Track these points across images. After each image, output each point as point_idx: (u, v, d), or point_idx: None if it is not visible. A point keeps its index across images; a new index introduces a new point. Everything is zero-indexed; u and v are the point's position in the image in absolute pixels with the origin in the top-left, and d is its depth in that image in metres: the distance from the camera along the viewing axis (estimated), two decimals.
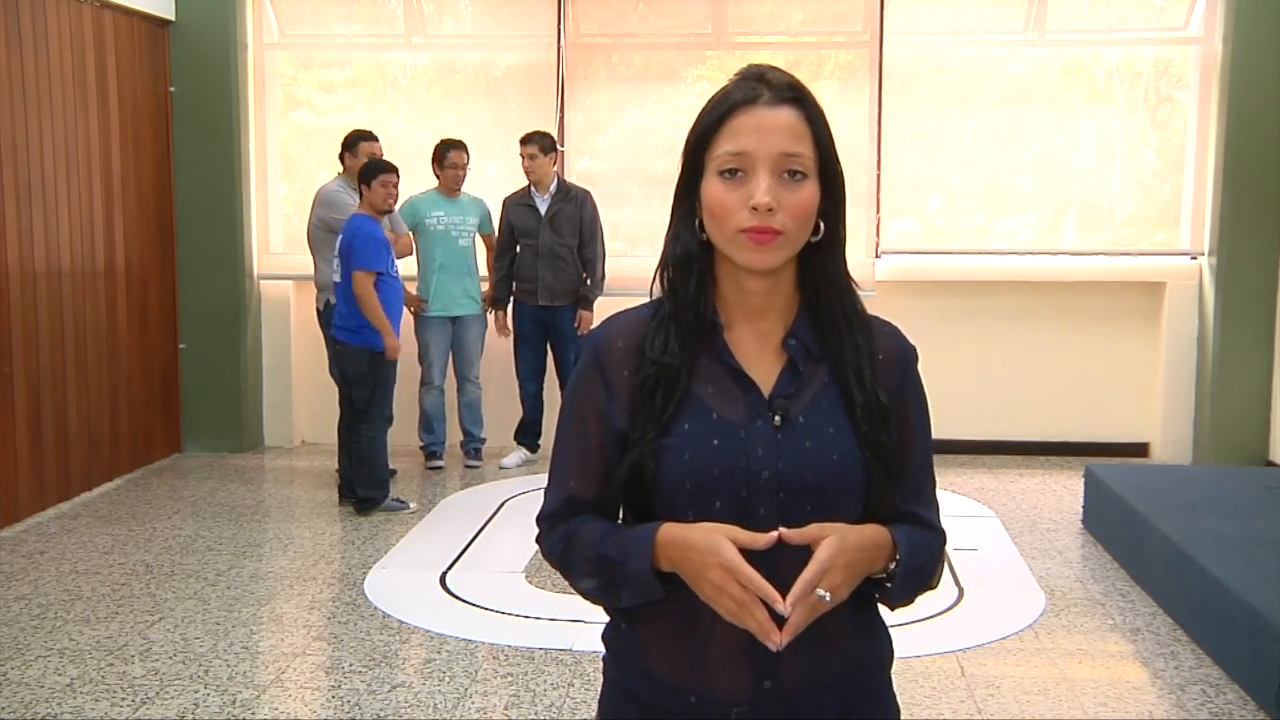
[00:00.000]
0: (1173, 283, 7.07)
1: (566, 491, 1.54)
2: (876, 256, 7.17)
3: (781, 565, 1.40)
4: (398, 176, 5.76)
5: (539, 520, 1.58)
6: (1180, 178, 7.16)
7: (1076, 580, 4.93)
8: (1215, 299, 6.83)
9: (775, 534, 1.39)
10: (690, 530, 1.42)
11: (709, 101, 1.49)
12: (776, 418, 1.47)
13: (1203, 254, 6.99)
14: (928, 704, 3.68)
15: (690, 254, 1.50)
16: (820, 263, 1.51)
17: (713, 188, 1.46)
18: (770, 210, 1.42)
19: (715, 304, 1.51)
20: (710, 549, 1.39)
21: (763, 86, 1.46)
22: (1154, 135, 7.22)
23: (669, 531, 1.43)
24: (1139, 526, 4.88)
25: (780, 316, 1.52)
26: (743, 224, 1.43)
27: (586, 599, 1.56)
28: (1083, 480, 5.81)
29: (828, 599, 1.38)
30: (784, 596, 1.37)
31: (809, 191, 1.45)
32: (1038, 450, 7.24)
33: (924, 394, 1.58)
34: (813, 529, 1.40)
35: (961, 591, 4.74)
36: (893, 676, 1.63)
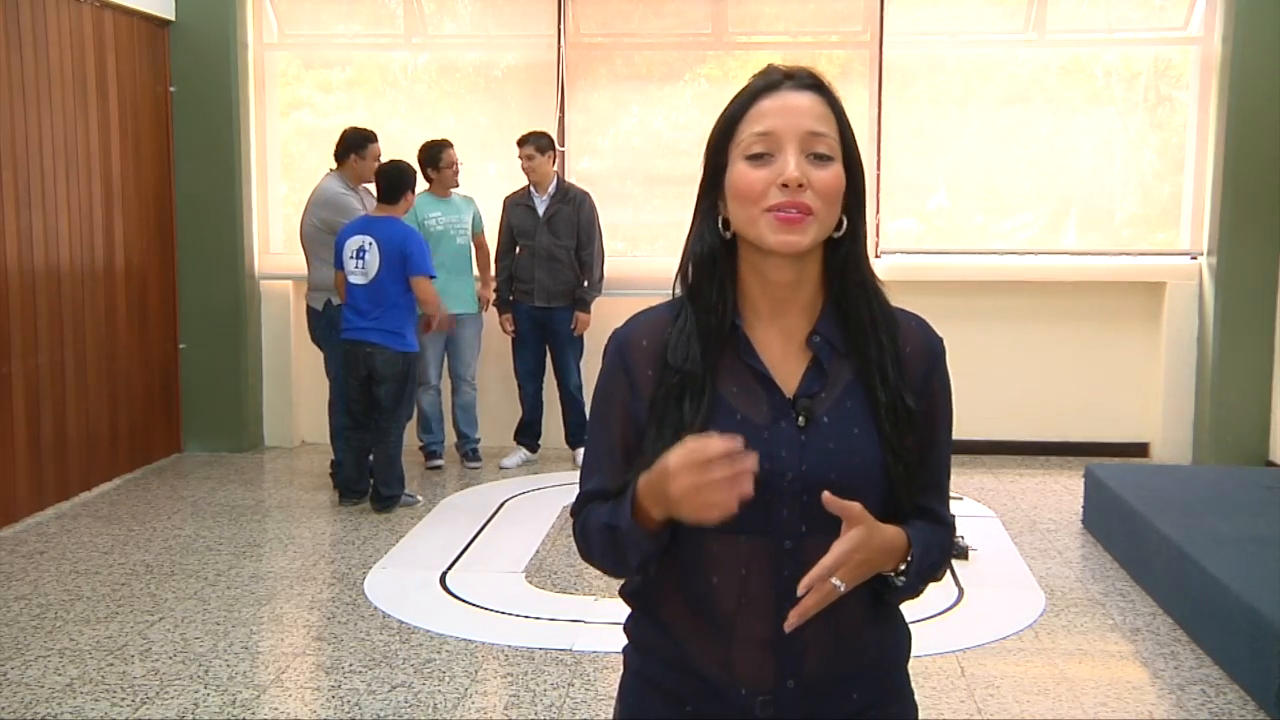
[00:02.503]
0: (1173, 283, 7.07)
1: (593, 485, 1.57)
2: (876, 256, 7.17)
3: (806, 565, 1.41)
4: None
5: (571, 513, 1.61)
6: (1180, 178, 7.16)
7: (1076, 580, 4.93)
8: (1215, 299, 6.83)
9: (739, 441, 1.33)
10: (653, 469, 1.40)
11: (732, 98, 1.51)
12: (800, 418, 1.46)
13: (1203, 254, 6.99)
14: (928, 704, 3.67)
15: (713, 253, 1.50)
16: (844, 259, 1.51)
17: (739, 171, 1.46)
18: (800, 186, 1.42)
19: (738, 303, 1.51)
20: (661, 469, 1.36)
21: (784, 77, 1.49)
22: (1154, 135, 7.22)
23: (643, 478, 1.43)
24: (1139, 526, 4.88)
25: (805, 313, 1.51)
26: (772, 200, 1.43)
27: (609, 575, 1.58)
28: (1083, 480, 5.81)
29: (842, 588, 1.39)
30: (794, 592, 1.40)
31: (836, 171, 1.46)
32: (1038, 450, 7.24)
33: (950, 388, 1.58)
34: (855, 508, 1.39)
35: (961, 591, 4.74)
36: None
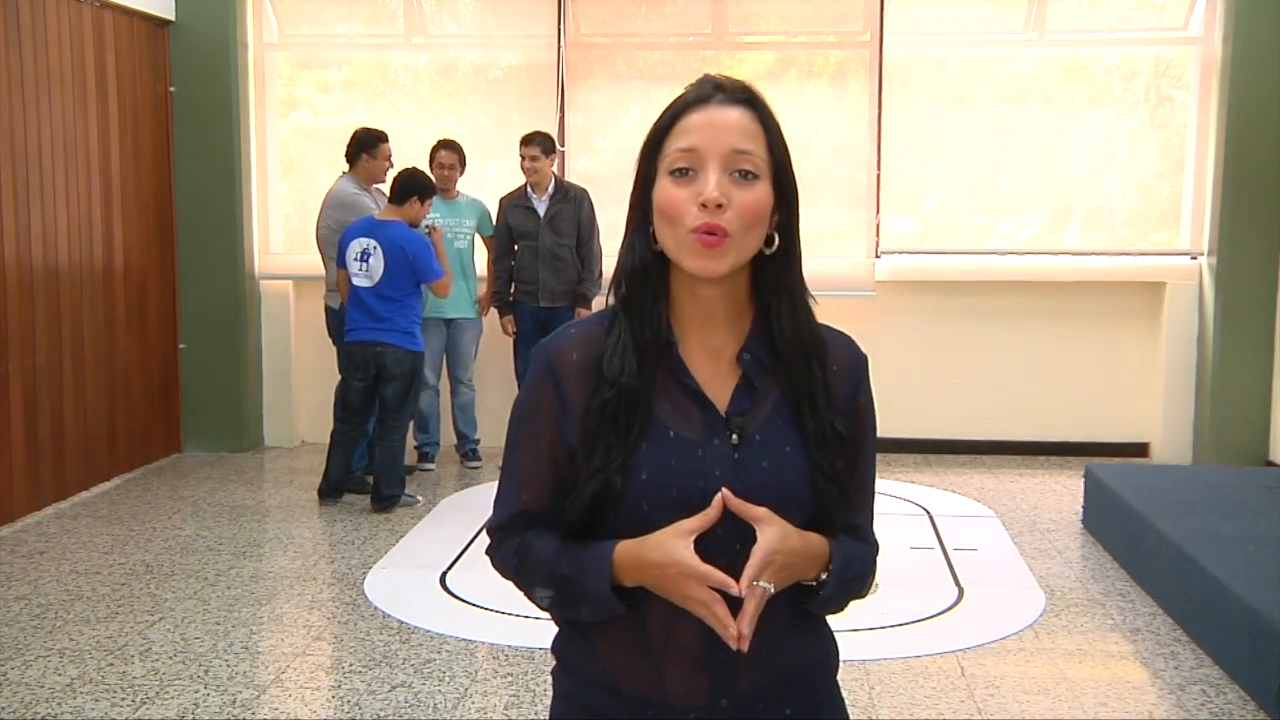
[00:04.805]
0: (1173, 283, 7.07)
1: (518, 505, 1.52)
2: (876, 256, 7.16)
3: (738, 567, 1.40)
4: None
5: (490, 532, 1.56)
6: (1180, 178, 7.16)
7: (1076, 580, 4.93)
8: (1215, 299, 6.83)
9: (720, 496, 1.39)
10: (645, 549, 1.40)
11: (664, 110, 1.49)
12: (734, 436, 1.45)
13: (1203, 254, 6.99)
14: (928, 704, 3.67)
15: (645, 265, 1.48)
16: (775, 275, 1.48)
17: (663, 188, 1.44)
18: (720, 207, 1.39)
19: (669, 316, 1.49)
20: (668, 561, 1.38)
21: (715, 89, 1.46)
22: (1154, 135, 7.22)
23: (625, 552, 1.42)
24: (1139, 526, 4.88)
25: (733, 329, 1.49)
26: (692, 223, 1.40)
27: (542, 610, 1.54)
28: (1083, 480, 5.81)
29: (770, 590, 1.38)
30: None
31: (760, 192, 1.42)
32: (1038, 450, 7.24)
33: (873, 403, 1.57)
34: (760, 510, 1.39)
35: (961, 591, 4.74)
36: (840, 681, 1.63)
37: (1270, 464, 6.67)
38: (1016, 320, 7.23)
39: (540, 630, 4.38)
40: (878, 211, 7.20)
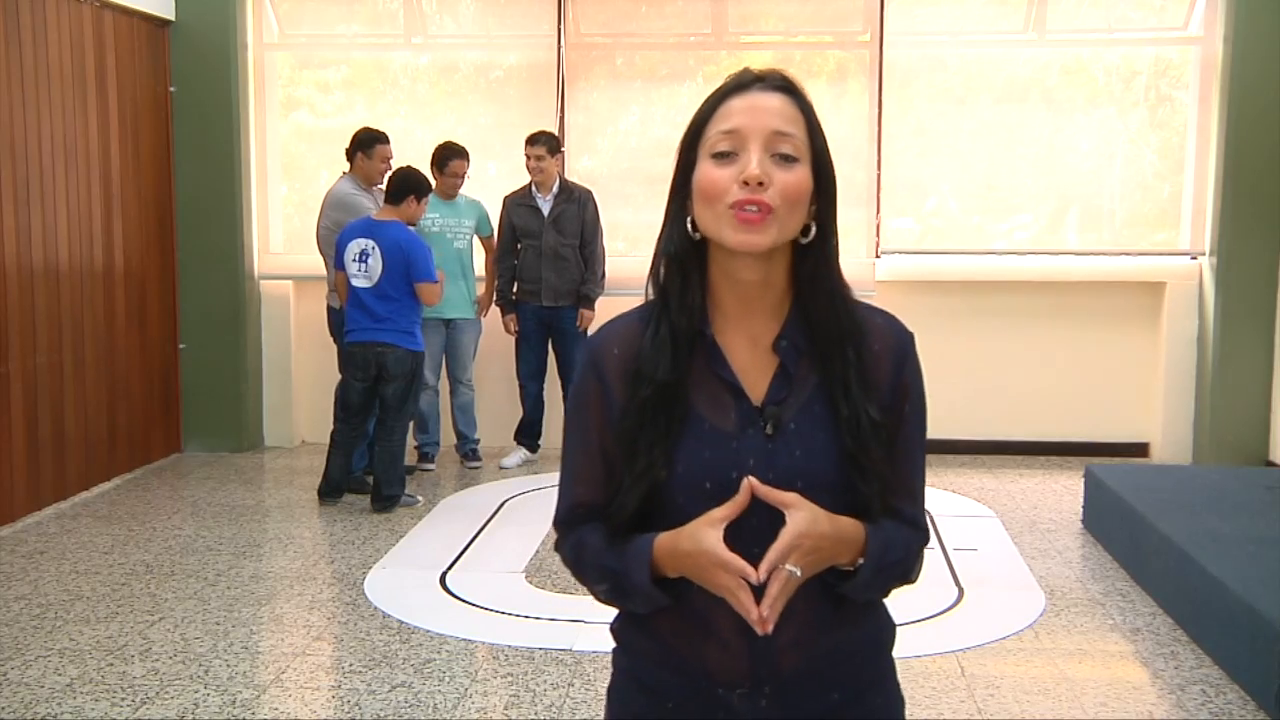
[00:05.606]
0: (1173, 283, 7.07)
1: (574, 498, 1.56)
2: (876, 256, 7.16)
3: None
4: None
5: (555, 525, 1.60)
6: (1180, 178, 7.16)
7: (1076, 580, 4.93)
8: (1215, 299, 6.83)
9: (747, 482, 1.40)
10: (679, 539, 1.43)
11: (704, 99, 1.52)
12: (768, 426, 1.46)
13: (1203, 254, 6.99)
14: (928, 704, 3.67)
15: (683, 254, 1.50)
16: (813, 265, 1.50)
17: (704, 170, 1.46)
18: (761, 185, 1.41)
19: (706, 305, 1.50)
20: (698, 551, 1.40)
21: (756, 79, 1.49)
22: (1154, 135, 7.22)
23: (662, 544, 1.45)
24: (1139, 526, 4.88)
25: (772, 316, 1.51)
26: (733, 198, 1.42)
27: (603, 603, 1.57)
28: (1083, 480, 5.81)
29: (798, 574, 1.38)
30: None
31: (801, 174, 1.44)
32: (1038, 450, 7.24)
33: (921, 382, 1.56)
34: (789, 496, 1.40)
35: (961, 591, 4.74)
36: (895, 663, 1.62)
37: (1270, 464, 6.67)
38: (1016, 320, 7.23)
39: (540, 630, 4.40)
40: (878, 211, 7.20)
